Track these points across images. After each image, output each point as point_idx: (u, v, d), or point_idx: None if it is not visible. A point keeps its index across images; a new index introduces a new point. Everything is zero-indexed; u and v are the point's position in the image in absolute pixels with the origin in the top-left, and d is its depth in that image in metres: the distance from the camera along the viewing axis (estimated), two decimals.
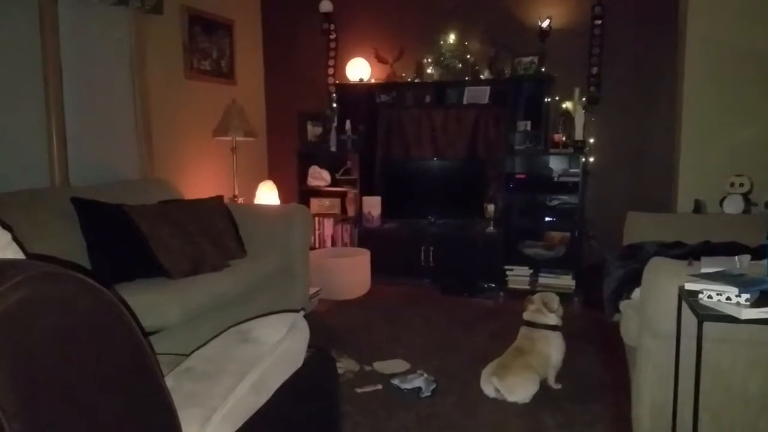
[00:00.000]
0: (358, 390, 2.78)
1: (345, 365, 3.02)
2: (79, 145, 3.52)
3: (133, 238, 2.82)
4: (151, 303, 2.46)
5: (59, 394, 0.87)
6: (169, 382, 1.27)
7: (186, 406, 1.20)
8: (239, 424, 1.30)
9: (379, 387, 2.83)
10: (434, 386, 2.78)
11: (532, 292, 3.58)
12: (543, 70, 4.59)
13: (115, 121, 3.85)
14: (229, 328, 1.61)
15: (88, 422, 0.91)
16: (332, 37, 5.20)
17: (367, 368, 3.05)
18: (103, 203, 2.90)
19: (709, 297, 1.68)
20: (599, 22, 4.50)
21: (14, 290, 0.80)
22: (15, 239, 1.11)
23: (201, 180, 4.65)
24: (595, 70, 4.53)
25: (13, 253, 1.08)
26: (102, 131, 3.73)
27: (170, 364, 1.52)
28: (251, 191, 4.92)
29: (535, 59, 4.61)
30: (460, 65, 4.85)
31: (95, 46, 3.66)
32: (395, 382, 2.83)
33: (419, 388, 2.75)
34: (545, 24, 4.54)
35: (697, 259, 1.97)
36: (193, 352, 1.51)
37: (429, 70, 4.93)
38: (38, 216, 2.68)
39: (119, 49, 3.85)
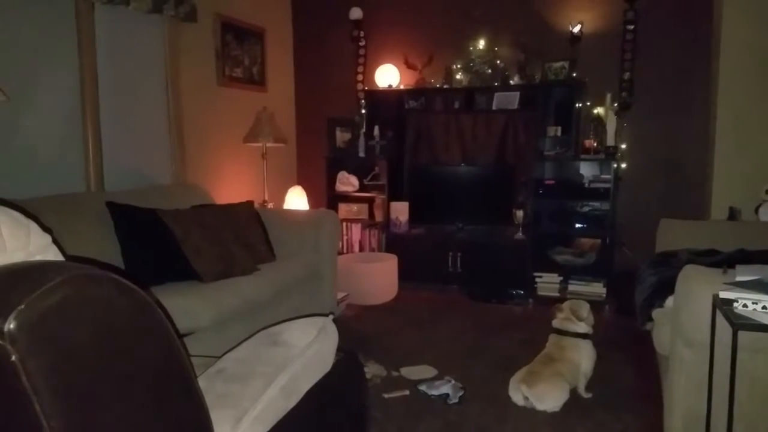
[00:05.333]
0: (386, 395, 2.79)
1: (372, 370, 3.03)
2: (114, 150, 3.60)
3: (166, 242, 2.87)
4: (183, 306, 2.50)
5: (96, 393, 0.89)
6: (202, 383, 1.29)
7: (218, 407, 1.22)
8: (270, 426, 1.31)
9: (407, 393, 2.82)
10: (462, 393, 2.77)
11: (562, 299, 3.52)
12: (574, 75, 4.56)
13: (149, 127, 3.93)
14: (260, 330, 1.63)
15: (123, 420, 0.93)
16: (362, 43, 5.23)
17: (395, 374, 3.05)
18: (138, 207, 2.96)
19: (745, 306, 1.65)
20: (631, 27, 4.44)
21: (55, 291, 0.83)
22: (55, 241, 1.15)
23: (232, 185, 4.71)
24: (627, 75, 4.48)
25: (53, 254, 1.11)
26: (136, 137, 3.81)
27: (202, 365, 1.54)
28: (281, 196, 4.96)
29: (566, 64, 4.57)
30: (490, 71, 4.83)
31: (130, 53, 3.74)
32: (422, 388, 2.83)
33: (447, 395, 2.74)
34: (576, 29, 4.51)
35: (732, 267, 1.93)
36: (224, 354, 1.53)
37: (458, 76, 4.93)
38: (74, 220, 2.74)
39: (154, 56, 3.93)
